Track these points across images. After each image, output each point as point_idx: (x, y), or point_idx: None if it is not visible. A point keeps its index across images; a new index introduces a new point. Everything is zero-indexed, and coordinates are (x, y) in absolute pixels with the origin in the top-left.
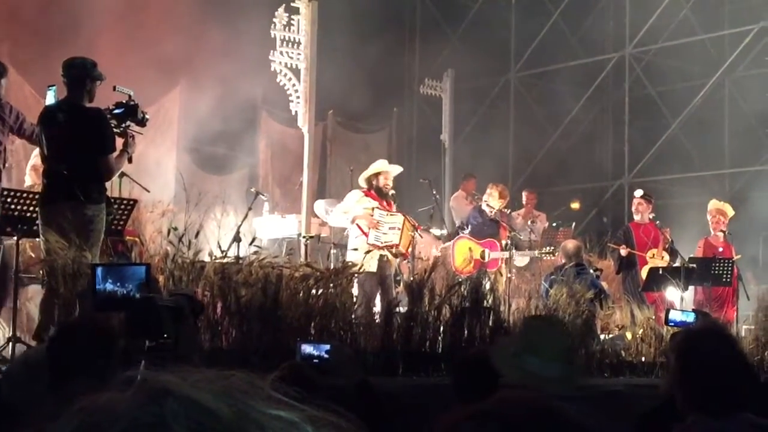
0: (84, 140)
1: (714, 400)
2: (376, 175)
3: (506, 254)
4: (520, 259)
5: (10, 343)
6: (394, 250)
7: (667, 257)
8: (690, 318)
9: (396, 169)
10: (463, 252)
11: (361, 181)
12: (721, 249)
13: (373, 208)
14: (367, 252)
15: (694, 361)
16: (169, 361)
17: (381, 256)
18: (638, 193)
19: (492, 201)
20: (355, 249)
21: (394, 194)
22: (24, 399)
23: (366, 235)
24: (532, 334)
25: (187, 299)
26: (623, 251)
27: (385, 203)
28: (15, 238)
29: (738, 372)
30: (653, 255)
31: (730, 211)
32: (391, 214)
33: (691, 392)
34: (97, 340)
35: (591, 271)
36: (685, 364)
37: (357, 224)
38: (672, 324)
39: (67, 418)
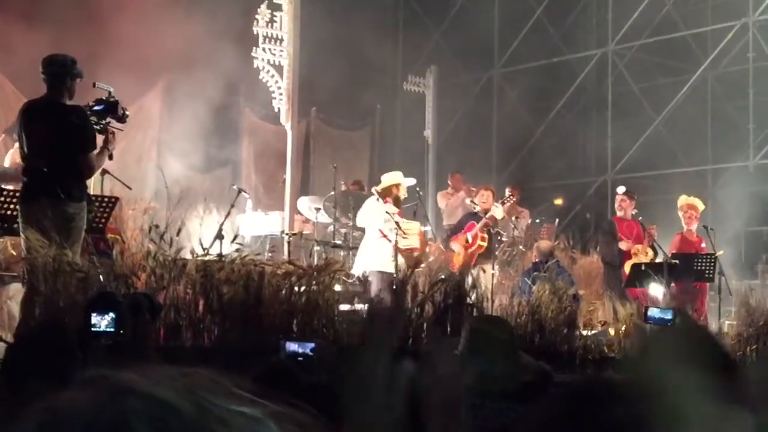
0: (64, 138)
1: None
2: (397, 186)
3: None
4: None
5: None
6: (415, 254)
7: (651, 254)
8: (668, 315)
9: (411, 182)
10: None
11: (379, 189)
12: (703, 245)
13: (393, 214)
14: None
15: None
16: (126, 358)
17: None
18: (621, 189)
19: (484, 203)
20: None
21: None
22: None
23: (386, 237)
24: (477, 335)
25: (147, 298)
26: (624, 245)
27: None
28: None
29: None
30: (638, 251)
31: (701, 205)
32: (408, 222)
33: None
34: (55, 339)
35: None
36: None
37: (380, 230)
38: (651, 321)
39: (27, 417)
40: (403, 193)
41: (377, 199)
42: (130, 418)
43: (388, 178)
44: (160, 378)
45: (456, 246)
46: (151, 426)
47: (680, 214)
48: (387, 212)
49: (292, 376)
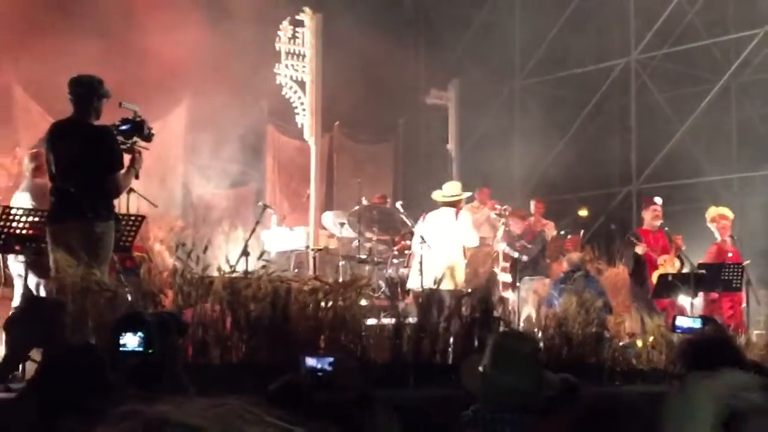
0: (92, 158)
1: None
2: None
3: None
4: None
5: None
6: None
7: (678, 264)
8: (697, 324)
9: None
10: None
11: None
12: (730, 254)
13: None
14: None
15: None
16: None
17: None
18: (659, 200)
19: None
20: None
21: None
22: None
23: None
24: (501, 351)
25: (173, 317)
26: (640, 249)
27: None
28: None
29: None
30: (664, 261)
31: (731, 214)
32: None
33: None
34: (87, 370)
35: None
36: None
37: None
38: (679, 330)
39: None
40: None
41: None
42: None
43: (457, 189)
44: (193, 409)
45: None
46: None
47: (712, 225)
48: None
49: (305, 394)
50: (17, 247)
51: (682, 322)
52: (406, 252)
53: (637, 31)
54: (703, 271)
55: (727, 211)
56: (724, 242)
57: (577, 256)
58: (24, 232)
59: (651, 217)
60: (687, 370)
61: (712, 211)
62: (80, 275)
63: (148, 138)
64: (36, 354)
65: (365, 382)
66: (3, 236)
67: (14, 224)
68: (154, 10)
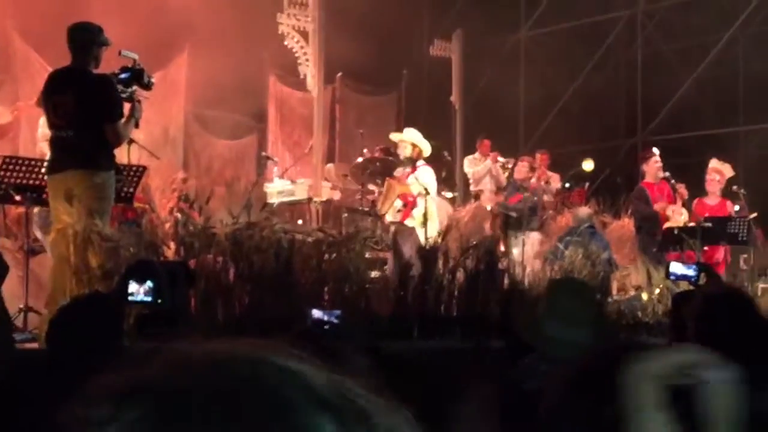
0: (91, 107)
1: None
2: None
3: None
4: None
5: (22, 313)
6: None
7: (685, 213)
8: (691, 272)
9: (406, 135)
10: None
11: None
12: (722, 208)
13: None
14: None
15: (713, 326)
16: (164, 327)
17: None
18: (656, 150)
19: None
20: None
21: (405, 159)
22: None
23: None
24: (556, 298)
25: (182, 266)
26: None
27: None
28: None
29: (763, 338)
30: (672, 212)
31: (729, 172)
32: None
33: None
34: (99, 310)
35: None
36: (703, 330)
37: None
38: (673, 277)
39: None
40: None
41: None
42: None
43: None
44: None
45: None
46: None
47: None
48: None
49: (318, 345)
50: (17, 198)
51: (676, 268)
52: None
53: None
54: (709, 224)
55: (725, 168)
56: (709, 196)
57: (586, 212)
58: (24, 182)
59: (654, 168)
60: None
61: (711, 163)
62: (81, 226)
63: (147, 86)
64: (37, 304)
65: (370, 335)
66: (2, 186)
67: (14, 174)
68: None
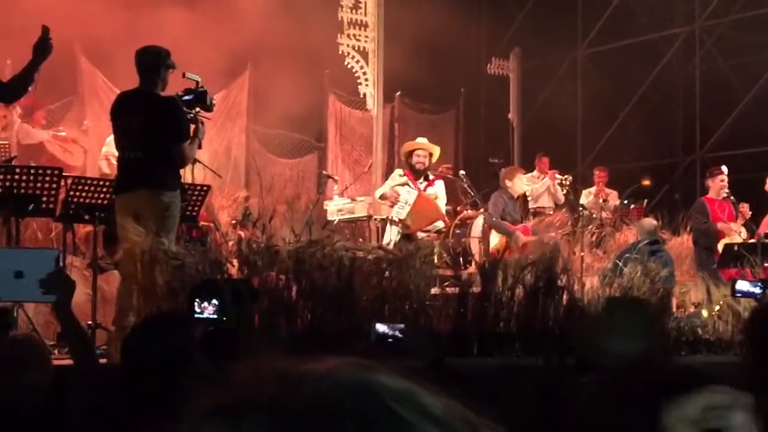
0: (159, 128)
1: None
2: (410, 152)
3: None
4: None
5: (91, 329)
6: (401, 228)
7: (745, 233)
8: (757, 289)
9: (420, 144)
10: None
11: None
12: None
13: (403, 184)
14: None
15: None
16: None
17: (401, 233)
18: (725, 169)
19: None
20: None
21: (427, 173)
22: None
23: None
24: (615, 315)
25: (246, 285)
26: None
27: (419, 182)
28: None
29: None
30: (731, 229)
31: None
32: (409, 191)
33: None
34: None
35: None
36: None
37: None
38: (739, 295)
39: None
40: (419, 159)
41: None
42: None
43: (405, 144)
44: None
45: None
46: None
47: None
48: (397, 184)
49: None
50: (86, 217)
51: (742, 286)
52: (467, 222)
53: None
54: None
55: None
56: None
57: (652, 224)
58: (92, 201)
59: (719, 186)
60: (750, 343)
61: None
62: (148, 244)
63: (209, 108)
64: (105, 321)
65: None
66: (72, 206)
67: (82, 194)
68: None
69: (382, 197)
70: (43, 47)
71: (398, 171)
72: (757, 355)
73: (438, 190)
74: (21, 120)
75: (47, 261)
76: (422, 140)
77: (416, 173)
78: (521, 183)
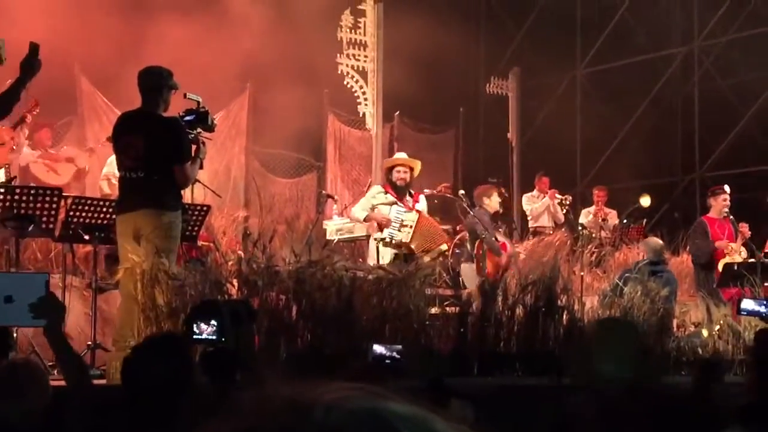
0: (161, 149)
1: None
2: (390, 168)
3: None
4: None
5: (90, 350)
6: (403, 250)
7: (744, 252)
8: (763, 308)
9: (401, 159)
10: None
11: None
12: None
13: (391, 203)
14: (380, 243)
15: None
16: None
17: (395, 254)
18: (727, 188)
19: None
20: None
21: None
22: None
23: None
24: (603, 337)
25: (244, 305)
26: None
27: (406, 199)
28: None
29: None
30: (731, 249)
31: None
32: (399, 210)
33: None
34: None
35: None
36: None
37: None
38: (744, 313)
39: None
40: (399, 175)
41: (379, 187)
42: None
43: (386, 160)
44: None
45: None
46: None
47: None
48: (381, 203)
49: (378, 380)
50: (86, 237)
51: (747, 304)
52: (466, 242)
53: (700, 17)
54: None
55: None
56: None
57: (659, 243)
58: (92, 221)
59: (720, 205)
60: (756, 362)
61: None
62: (149, 265)
63: (211, 129)
64: (105, 341)
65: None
66: (72, 225)
67: (83, 214)
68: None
69: (368, 219)
70: (30, 64)
71: (377, 188)
72: (762, 376)
73: (423, 206)
74: (28, 142)
75: (37, 285)
76: (401, 155)
77: (398, 190)
78: (497, 200)
